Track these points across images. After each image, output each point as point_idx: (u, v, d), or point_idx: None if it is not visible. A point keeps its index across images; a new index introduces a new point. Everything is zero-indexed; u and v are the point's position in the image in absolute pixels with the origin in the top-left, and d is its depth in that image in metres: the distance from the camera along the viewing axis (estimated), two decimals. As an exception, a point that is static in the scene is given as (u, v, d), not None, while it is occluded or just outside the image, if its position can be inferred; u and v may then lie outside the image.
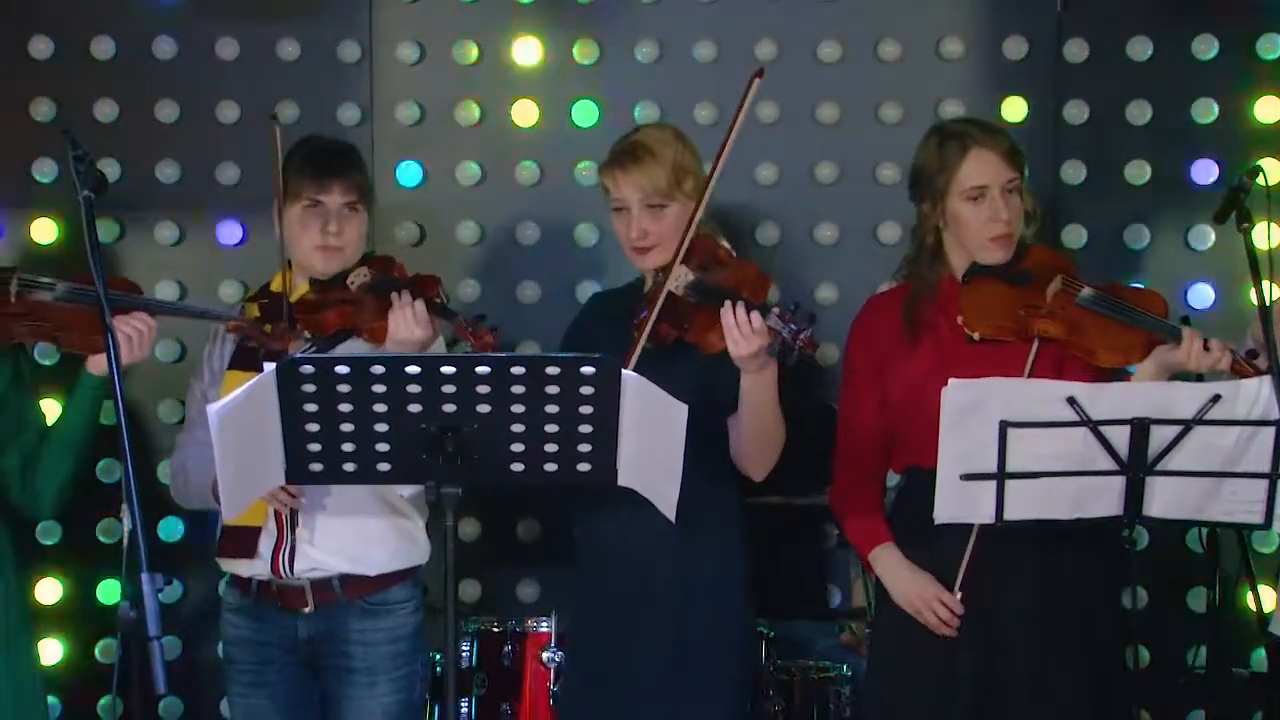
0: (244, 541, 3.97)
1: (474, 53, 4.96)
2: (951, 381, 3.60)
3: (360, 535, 3.98)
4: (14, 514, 3.94)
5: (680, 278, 3.80)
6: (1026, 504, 3.63)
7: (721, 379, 3.79)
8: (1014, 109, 4.91)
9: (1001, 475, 3.60)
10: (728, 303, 3.66)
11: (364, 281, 3.94)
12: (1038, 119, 4.92)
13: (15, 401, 3.88)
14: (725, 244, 3.94)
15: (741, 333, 3.65)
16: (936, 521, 3.67)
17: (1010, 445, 3.58)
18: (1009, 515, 3.63)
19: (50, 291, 3.82)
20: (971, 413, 3.57)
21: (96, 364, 3.84)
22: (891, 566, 3.95)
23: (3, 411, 3.86)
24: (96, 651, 4.84)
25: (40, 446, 3.89)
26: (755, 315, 3.64)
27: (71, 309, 3.81)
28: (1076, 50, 4.94)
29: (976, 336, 3.90)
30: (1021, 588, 3.89)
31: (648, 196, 3.92)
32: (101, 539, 4.83)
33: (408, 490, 3.96)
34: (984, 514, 3.64)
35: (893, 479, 4.12)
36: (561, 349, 4.11)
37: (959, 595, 3.87)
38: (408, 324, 3.82)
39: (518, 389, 3.33)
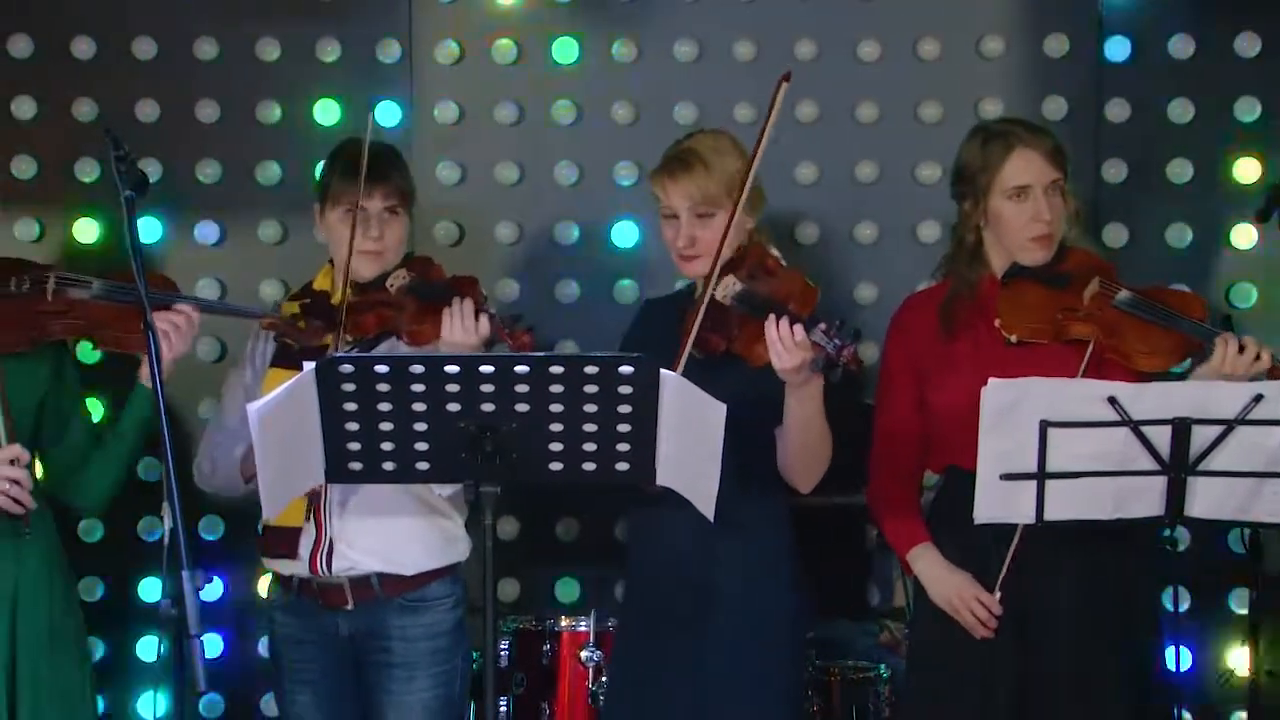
0: (285, 542, 3.98)
1: (513, 52, 4.96)
2: (991, 381, 3.58)
3: (396, 535, 3.98)
4: (59, 511, 3.96)
5: (728, 287, 3.77)
6: (1067, 504, 3.61)
7: (770, 390, 3.76)
8: (1054, 107, 4.89)
9: (1041, 475, 3.58)
10: (771, 315, 3.64)
11: (403, 284, 3.95)
12: (1078, 117, 4.89)
13: (58, 400, 3.90)
14: (775, 252, 3.91)
15: (785, 346, 3.61)
16: (976, 521, 3.65)
17: (1050, 445, 3.56)
18: (1049, 515, 3.60)
19: (86, 289, 3.83)
20: (1011, 412, 3.56)
21: (148, 377, 3.83)
22: (930, 566, 3.93)
23: (44, 410, 3.88)
24: (138, 649, 4.86)
25: (89, 446, 3.91)
26: (798, 329, 3.61)
27: (107, 306, 3.82)
28: (1118, 48, 4.92)
29: (1014, 339, 3.87)
30: (1061, 587, 3.86)
31: (697, 205, 3.88)
32: (142, 537, 4.87)
33: (447, 489, 3.96)
34: (1024, 514, 3.62)
35: (931, 479, 4.11)
36: None
37: (999, 595, 3.85)
38: (466, 330, 3.82)
39: (556, 388, 3.32)
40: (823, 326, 3.60)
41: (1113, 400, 3.55)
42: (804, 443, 3.83)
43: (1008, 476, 3.58)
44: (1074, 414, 3.56)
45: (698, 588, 3.88)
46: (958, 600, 3.87)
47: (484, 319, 3.84)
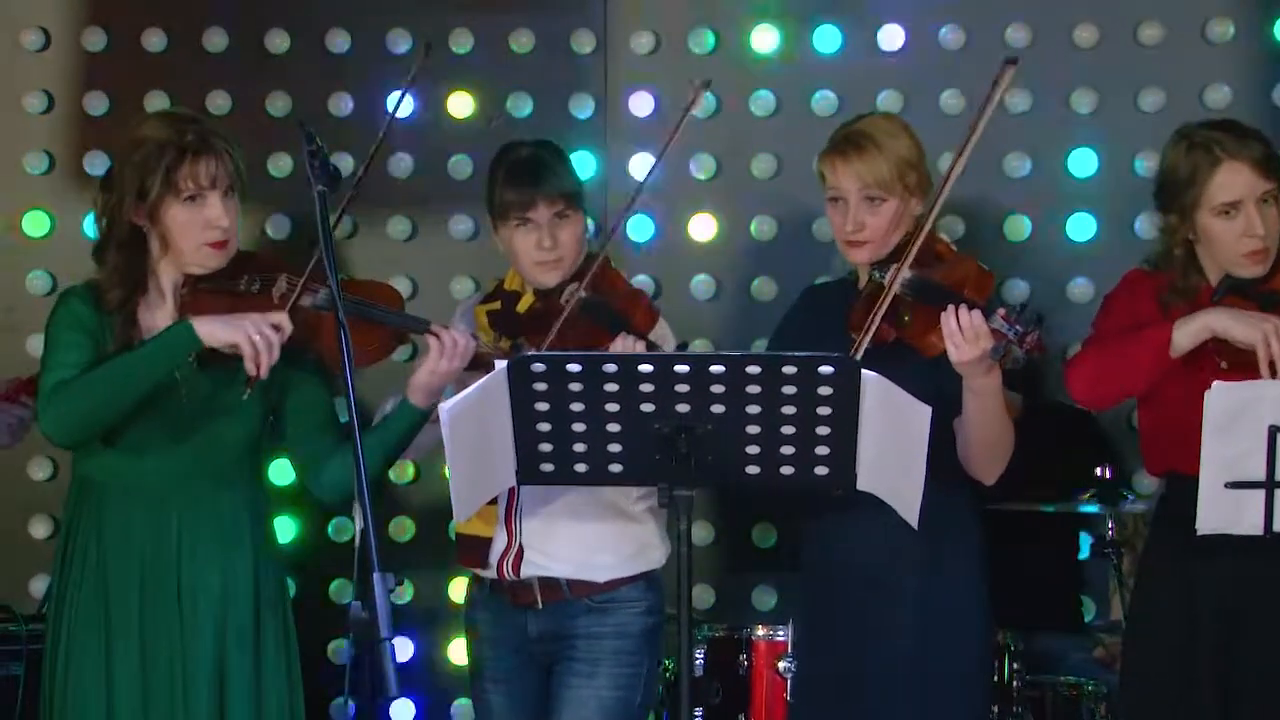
0: (476, 550, 3.96)
1: (710, 42, 4.91)
2: (1216, 384, 3.47)
3: (587, 542, 3.94)
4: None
5: (898, 274, 3.65)
6: (1299, 514, 3.48)
7: (946, 381, 3.64)
8: (1287, 97, 4.74)
9: (1271, 484, 3.46)
10: (950, 307, 3.51)
11: (579, 299, 3.83)
12: (1313, 104, 4.73)
13: (296, 400, 3.77)
14: (945, 238, 3.80)
15: (965, 337, 3.50)
16: (1200, 532, 3.53)
17: (1281, 452, 3.44)
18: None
19: (313, 295, 3.67)
20: (1238, 417, 3.45)
21: (415, 392, 3.74)
22: (1214, 312, 3.64)
23: (284, 408, 3.76)
24: (329, 652, 4.87)
25: (333, 441, 3.78)
26: (977, 315, 3.49)
27: (331, 317, 3.61)
28: (1354, 29, 4.72)
29: (1224, 365, 3.66)
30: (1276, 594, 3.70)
31: (867, 188, 3.78)
32: (333, 538, 4.90)
33: (644, 499, 3.92)
34: (1250, 524, 3.50)
35: (1149, 486, 3.94)
36: (773, 343, 4.03)
37: None
38: None
39: (753, 389, 3.27)
40: (1002, 312, 3.49)
41: (1350, 405, 3.39)
42: (984, 437, 3.70)
43: (1233, 485, 3.47)
44: (1308, 419, 3.43)
45: (882, 587, 3.79)
46: (1268, 325, 3.58)
47: (641, 347, 3.74)
